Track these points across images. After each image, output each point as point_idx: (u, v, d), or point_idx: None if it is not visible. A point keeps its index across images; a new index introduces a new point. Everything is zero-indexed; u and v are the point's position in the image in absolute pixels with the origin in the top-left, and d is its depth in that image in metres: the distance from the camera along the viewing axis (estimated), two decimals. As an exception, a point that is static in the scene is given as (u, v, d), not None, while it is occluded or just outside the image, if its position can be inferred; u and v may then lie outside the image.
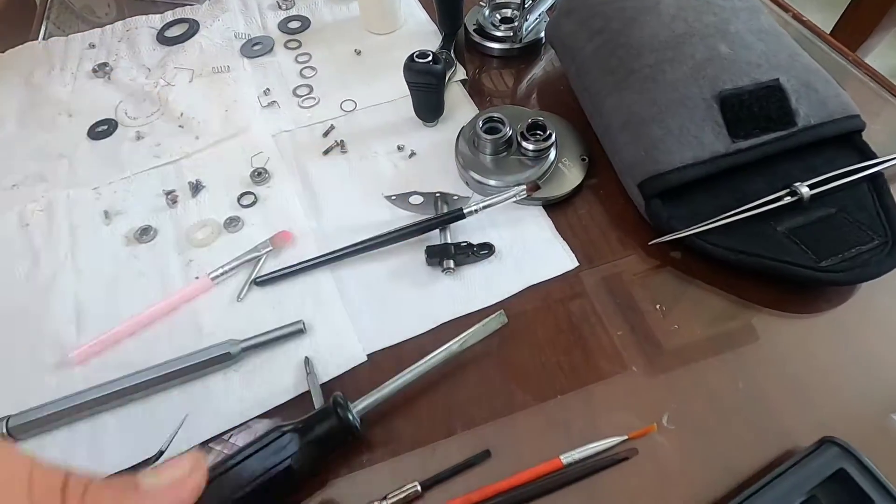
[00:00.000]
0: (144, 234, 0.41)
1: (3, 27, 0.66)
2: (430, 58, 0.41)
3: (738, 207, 0.37)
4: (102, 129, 0.48)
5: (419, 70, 0.41)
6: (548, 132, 0.39)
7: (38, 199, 0.43)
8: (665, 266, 0.38)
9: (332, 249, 0.39)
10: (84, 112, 0.50)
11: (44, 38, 0.59)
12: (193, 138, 0.47)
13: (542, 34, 0.53)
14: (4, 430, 0.31)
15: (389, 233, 0.38)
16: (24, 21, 0.70)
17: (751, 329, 0.34)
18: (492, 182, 0.41)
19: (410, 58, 0.42)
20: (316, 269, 0.38)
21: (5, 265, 0.40)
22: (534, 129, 0.40)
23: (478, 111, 0.48)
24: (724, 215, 0.36)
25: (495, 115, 0.41)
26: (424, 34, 0.55)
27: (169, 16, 0.59)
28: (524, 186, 0.37)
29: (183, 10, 0.60)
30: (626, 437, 0.30)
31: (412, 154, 0.45)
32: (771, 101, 0.38)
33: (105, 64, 0.54)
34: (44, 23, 0.61)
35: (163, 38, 0.57)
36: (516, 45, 0.52)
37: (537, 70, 0.52)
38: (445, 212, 0.38)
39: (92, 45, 0.57)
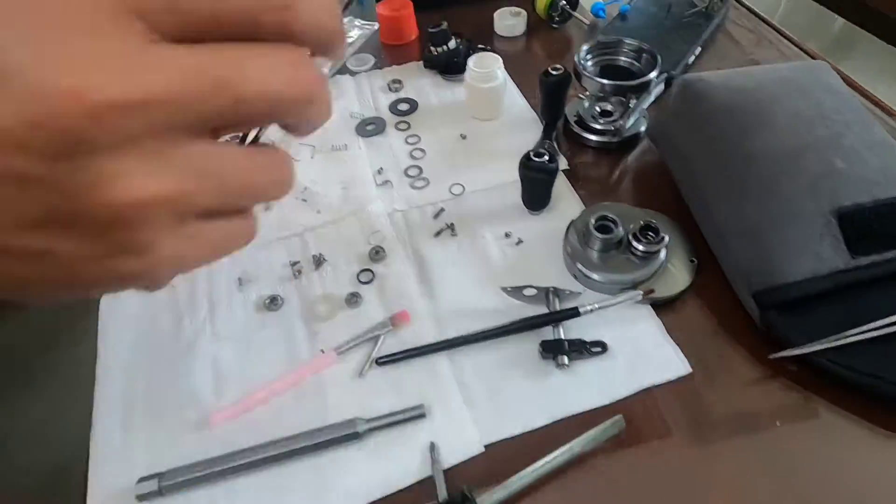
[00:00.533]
0: (273, 302, 0.45)
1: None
2: (545, 157, 0.44)
3: (857, 323, 0.36)
4: (234, 198, 0.54)
5: (535, 168, 0.44)
6: (660, 235, 0.41)
7: (179, 261, 0.48)
8: (780, 376, 0.38)
9: (446, 333, 0.41)
10: (217, 180, 0.56)
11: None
12: (315, 212, 0.51)
13: (642, 129, 0.55)
14: (157, 487, 0.34)
15: (507, 325, 0.40)
16: None
17: (879, 456, 0.34)
18: (596, 277, 0.42)
19: (527, 156, 0.45)
20: (433, 353, 0.40)
21: (154, 318, 0.44)
22: (646, 229, 0.42)
23: (579, 201, 0.50)
24: (848, 333, 0.36)
25: (608, 214, 0.43)
26: (525, 121, 0.59)
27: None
28: (640, 292, 0.39)
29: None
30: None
31: (519, 241, 0.47)
32: (893, 219, 0.38)
33: (236, 137, 0.60)
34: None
35: (286, 114, 0.63)
36: (615, 139, 0.55)
37: (635, 162, 0.55)
38: (559, 308, 0.40)
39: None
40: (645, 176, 0.53)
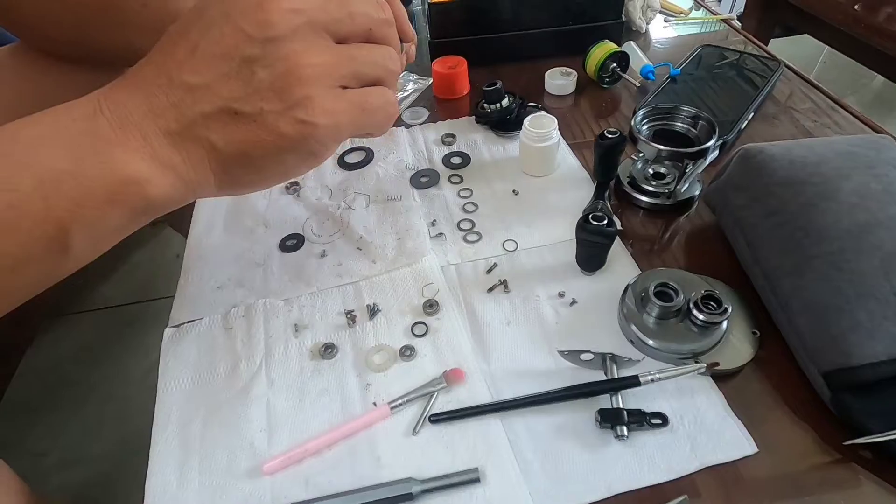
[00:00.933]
0: (328, 350, 0.45)
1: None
2: (604, 220, 0.45)
3: (939, 412, 0.35)
4: (292, 244, 0.56)
5: (593, 231, 0.45)
6: (723, 306, 0.40)
7: (238, 303, 0.50)
8: (853, 462, 0.36)
9: (500, 393, 0.41)
10: (276, 225, 0.58)
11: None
12: (370, 262, 0.52)
13: (696, 193, 0.55)
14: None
15: (565, 390, 0.39)
16: None
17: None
18: (653, 343, 0.42)
19: (585, 218, 0.45)
20: (487, 414, 0.40)
21: (210, 362, 0.45)
22: (707, 299, 0.41)
23: (634, 263, 0.50)
24: (929, 424, 0.34)
25: (669, 282, 0.42)
26: (576, 179, 0.60)
27: (348, 143, 0.69)
28: (704, 365, 0.38)
29: (360, 140, 0.69)
30: None
31: (573, 302, 0.47)
32: (972, 304, 0.37)
33: (296, 182, 0.63)
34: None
35: (343, 163, 0.66)
36: (668, 202, 0.55)
37: (689, 225, 0.54)
38: (616, 375, 0.40)
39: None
40: (699, 239, 0.53)
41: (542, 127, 0.57)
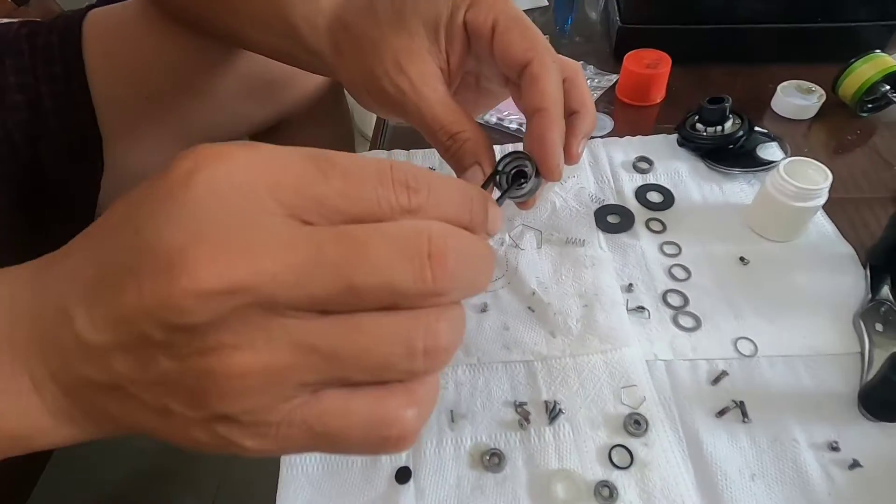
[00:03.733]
0: (494, 459, 0.34)
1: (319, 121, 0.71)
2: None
3: None
4: (444, 284, 0.44)
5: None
6: None
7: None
8: None
9: None
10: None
11: (384, 149, 0.59)
12: (548, 335, 0.40)
13: None
14: None
15: None
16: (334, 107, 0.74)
17: None
18: None
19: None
20: None
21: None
22: None
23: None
24: None
25: None
26: (833, 256, 0.43)
27: (509, 147, 0.55)
28: None
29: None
30: None
31: (854, 464, 0.32)
32: None
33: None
34: (383, 130, 0.62)
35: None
36: None
37: None
38: None
39: (431, 168, 0.55)
40: None
41: (808, 181, 0.41)
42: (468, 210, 0.20)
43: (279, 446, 0.18)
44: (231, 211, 0.16)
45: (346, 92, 0.72)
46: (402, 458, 0.35)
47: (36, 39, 0.51)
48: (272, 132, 0.69)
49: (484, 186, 0.29)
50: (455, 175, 0.32)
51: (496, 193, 0.30)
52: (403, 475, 0.34)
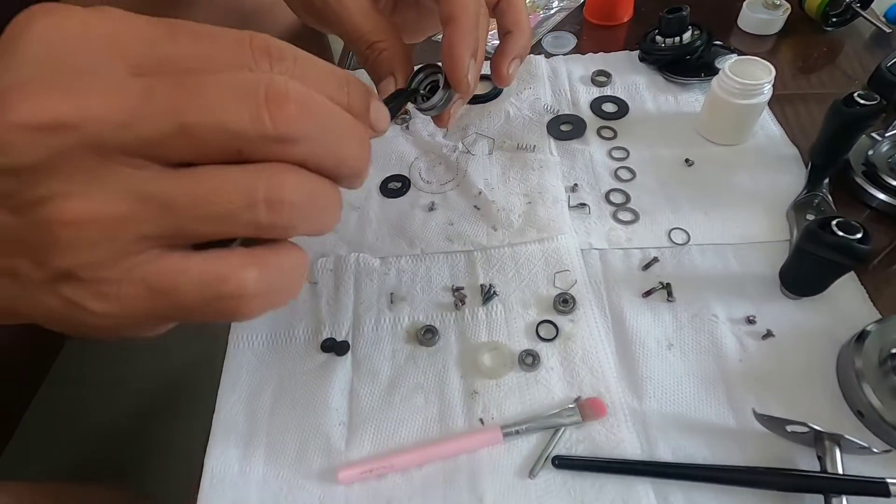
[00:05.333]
0: (428, 335, 0.36)
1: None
2: (857, 234, 0.30)
3: None
4: (395, 187, 0.45)
5: (834, 245, 0.30)
6: None
7: (327, 252, 0.41)
8: None
9: (654, 448, 0.30)
10: (379, 160, 0.48)
11: (351, 69, 0.59)
12: (490, 228, 0.41)
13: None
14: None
15: (759, 472, 0.27)
16: (314, 43, 0.73)
17: None
18: (890, 418, 0.28)
19: (823, 223, 0.31)
20: (635, 476, 0.29)
21: (288, 320, 0.38)
22: None
23: (866, 297, 0.35)
24: None
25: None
26: (778, 156, 0.44)
27: (471, 67, 0.56)
28: None
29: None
30: None
31: (768, 334, 0.34)
32: None
33: (405, 112, 0.52)
34: (349, 56, 0.62)
35: (464, 93, 0.53)
36: (924, 207, 0.38)
37: (950, 247, 0.38)
38: (841, 469, 0.27)
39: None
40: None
41: (752, 77, 0.41)
42: (344, 93, 0.19)
43: (122, 307, 0.17)
44: (64, 59, 0.16)
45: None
46: (341, 335, 0.37)
47: None
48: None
49: (396, 97, 0.28)
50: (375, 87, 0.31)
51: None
52: (342, 348, 0.36)
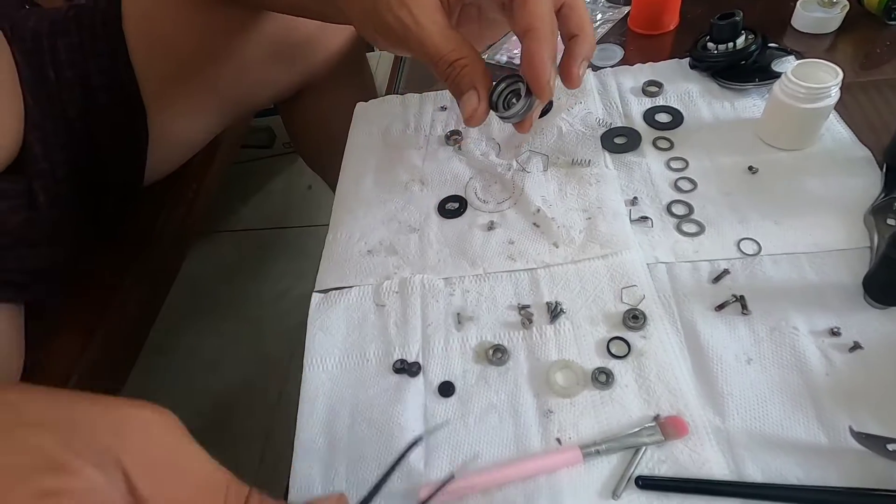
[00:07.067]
0: (497, 353, 0.36)
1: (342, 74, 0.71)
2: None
3: None
4: (453, 208, 0.46)
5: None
6: None
7: (391, 275, 0.42)
8: None
9: (742, 467, 0.29)
10: (435, 182, 0.49)
11: (398, 93, 0.60)
12: (551, 245, 0.42)
13: None
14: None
15: (852, 492, 0.26)
16: (357, 70, 0.75)
17: None
18: None
19: (912, 230, 0.30)
20: (726, 497, 0.28)
21: (360, 343, 0.39)
22: None
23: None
24: None
25: None
26: (847, 159, 0.42)
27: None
28: None
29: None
30: None
31: (854, 346, 0.32)
32: None
33: (456, 132, 0.53)
34: (398, 76, 0.64)
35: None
36: None
37: None
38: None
39: (443, 108, 0.56)
40: None
41: (817, 80, 0.40)
42: None
43: None
44: None
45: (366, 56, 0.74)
46: (412, 356, 0.38)
47: (81, 19, 0.55)
48: (297, 97, 0.72)
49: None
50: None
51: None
52: (413, 369, 0.37)
